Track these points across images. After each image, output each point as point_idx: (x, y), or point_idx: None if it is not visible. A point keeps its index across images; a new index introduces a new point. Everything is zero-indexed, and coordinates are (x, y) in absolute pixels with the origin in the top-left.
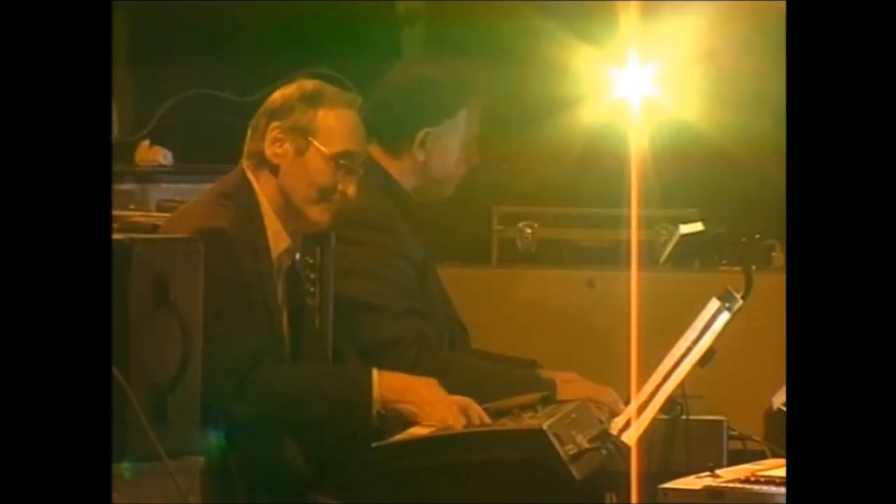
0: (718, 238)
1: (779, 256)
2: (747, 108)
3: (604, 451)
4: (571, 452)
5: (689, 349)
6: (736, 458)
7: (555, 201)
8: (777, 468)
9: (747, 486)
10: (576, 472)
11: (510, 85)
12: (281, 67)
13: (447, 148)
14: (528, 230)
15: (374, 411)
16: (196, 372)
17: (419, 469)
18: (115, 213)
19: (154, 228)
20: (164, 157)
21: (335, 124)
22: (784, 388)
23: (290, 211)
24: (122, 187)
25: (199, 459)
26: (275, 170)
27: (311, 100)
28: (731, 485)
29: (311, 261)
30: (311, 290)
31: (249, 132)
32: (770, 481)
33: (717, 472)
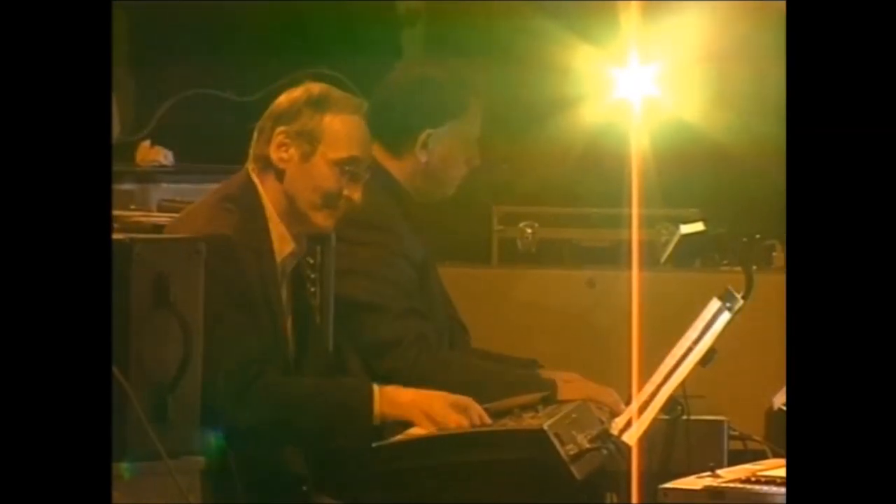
0: (719, 238)
1: (779, 256)
2: (748, 107)
3: (604, 451)
4: (572, 452)
5: (690, 349)
6: (737, 458)
7: (555, 201)
8: (778, 468)
9: (748, 486)
10: (576, 472)
11: (511, 85)
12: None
13: (449, 148)
14: (529, 230)
15: (373, 426)
16: (196, 372)
17: (420, 469)
18: (116, 212)
19: (155, 228)
20: (164, 156)
21: (341, 130)
22: (785, 388)
23: (294, 215)
24: (122, 187)
25: (200, 459)
26: (280, 174)
27: (318, 104)
28: (731, 485)
29: (311, 261)
30: (312, 289)
31: (255, 135)
32: (771, 481)
33: (718, 472)
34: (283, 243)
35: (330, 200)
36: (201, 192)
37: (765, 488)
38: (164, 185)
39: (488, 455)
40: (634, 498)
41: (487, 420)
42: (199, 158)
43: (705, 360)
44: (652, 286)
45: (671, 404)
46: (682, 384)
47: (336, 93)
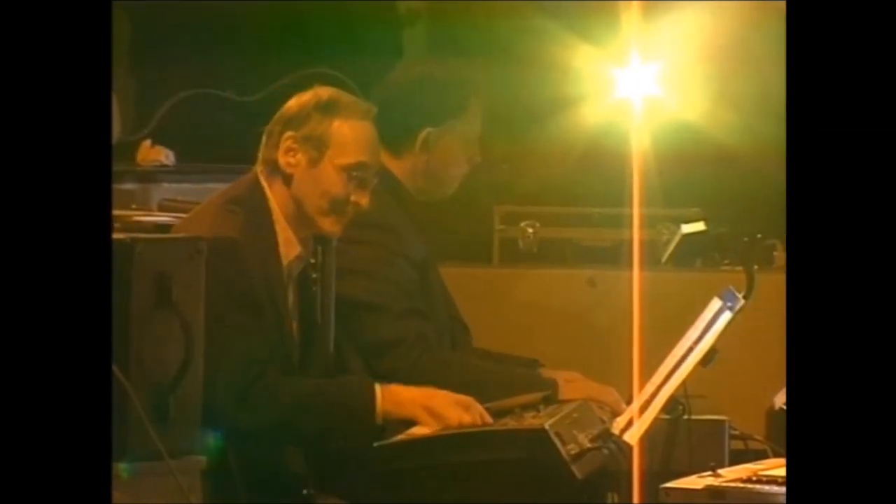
0: (720, 237)
1: (780, 256)
2: (749, 107)
3: (605, 451)
4: (573, 452)
5: (691, 349)
6: (738, 458)
7: (556, 201)
8: (779, 468)
9: (749, 486)
10: (577, 471)
11: (512, 84)
12: (282, 67)
13: (449, 148)
14: (530, 229)
15: (376, 426)
16: (198, 372)
17: (421, 469)
18: (117, 212)
19: (156, 228)
20: (165, 156)
21: (350, 135)
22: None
23: (302, 220)
24: (123, 187)
25: (201, 459)
26: (288, 179)
27: (327, 109)
28: (732, 484)
29: (312, 260)
30: (314, 289)
31: (264, 138)
32: (772, 481)
33: (719, 471)
34: (289, 247)
35: (337, 206)
36: (202, 192)
37: (766, 488)
38: (165, 185)
39: (489, 455)
40: (635, 497)
41: (489, 419)
42: (200, 158)
43: (706, 359)
44: (653, 286)
45: (672, 404)
46: (684, 384)
47: (345, 97)
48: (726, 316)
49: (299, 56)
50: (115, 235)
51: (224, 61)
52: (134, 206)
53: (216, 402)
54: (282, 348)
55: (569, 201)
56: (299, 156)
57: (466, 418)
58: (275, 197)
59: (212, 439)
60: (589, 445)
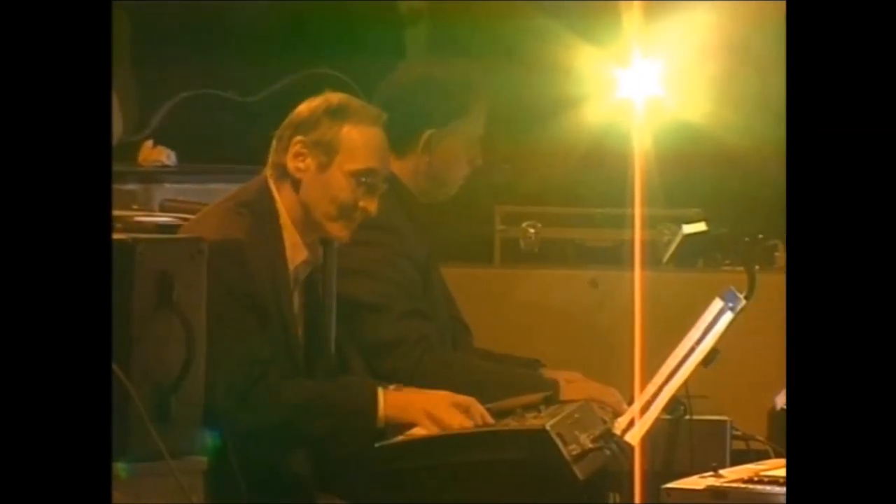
0: (721, 238)
1: (782, 256)
2: (751, 107)
3: (607, 451)
4: (574, 452)
5: (693, 349)
6: (739, 458)
7: (558, 201)
8: (780, 468)
9: (750, 486)
10: (579, 472)
11: (513, 85)
12: (283, 68)
13: (451, 148)
14: (532, 230)
15: (377, 429)
16: (199, 372)
17: (422, 469)
18: (119, 212)
19: (157, 228)
20: (167, 157)
21: (359, 141)
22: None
23: (309, 225)
24: (125, 187)
25: (202, 459)
26: (296, 184)
27: (336, 114)
28: (734, 485)
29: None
30: (319, 293)
31: (274, 143)
32: (773, 481)
33: (721, 472)
34: (296, 251)
35: (345, 211)
36: (204, 192)
37: (767, 488)
38: (167, 185)
39: (490, 455)
40: (637, 498)
41: (490, 420)
42: (202, 158)
43: (708, 360)
44: (654, 286)
45: (674, 404)
46: (685, 384)
47: (355, 103)
48: (728, 316)
49: (301, 56)
50: (117, 236)
51: (225, 61)
52: (135, 207)
53: (217, 401)
54: (287, 351)
55: (570, 201)
56: (308, 160)
57: (468, 424)
58: (283, 201)
59: (213, 439)
60: (590, 446)
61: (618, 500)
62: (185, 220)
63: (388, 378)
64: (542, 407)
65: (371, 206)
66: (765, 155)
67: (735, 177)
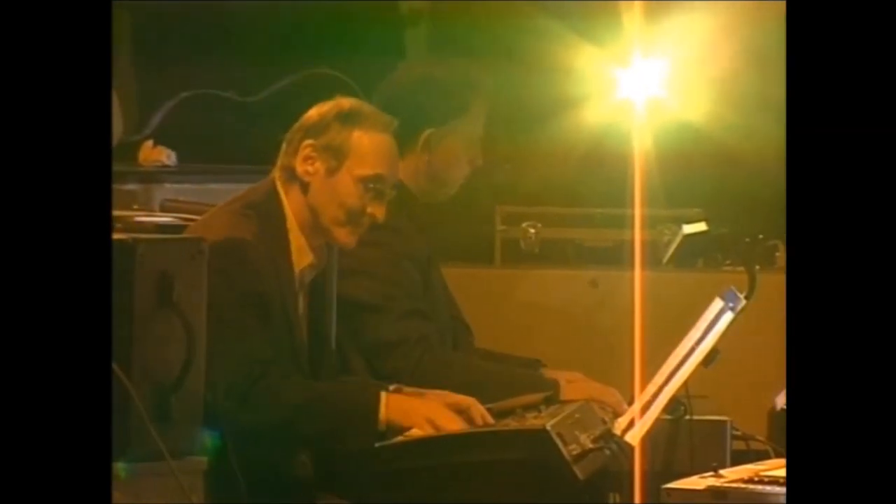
0: (722, 238)
1: (782, 256)
2: (751, 108)
3: (607, 452)
4: (575, 452)
5: (693, 349)
6: (739, 458)
7: (558, 201)
8: (780, 468)
9: (751, 487)
10: (579, 472)
11: (514, 85)
12: (284, 68)
13: (451, 149)
14: (532, 230)
15: (378, 431)
16: (199, 372)
17: (422, 469)
18: (119, 213)
19: (158, 228)
20: (167, 157)
21: (369, 147)
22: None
23: (316, 229)
24: (125, 187)
25: (202, 459)
26: (305, 187)
27: (347, 119)
28: (734, 485)
29: None
30: (324, 297)
31: (284, 145)
32: (773, 481)
33: (721, 472)
34: (301, 254)
35: (353, 217)
36: (204, 192)
37: (767, 488)
38: (167, 185)
39: (491, 455)
40: (637, 498)
41: (490, 420)
42: (202, 158)
43: (708, 360)
44: (655, 286)
45: (674, 404)
46: (685, 384)
47: (367, 109)
48: (728, 316)
49: (301, 56)
50: (117, 236)
51: (225, 61)
52: (136, 207)
53: (218, 401)
54: (291, 354)
55: (570, 202)
56: (318, 164)
57: (467, 427)
58: (290, 204)
59: (213, 439)
60: (591, 446)
61: (618, 500)
62: (185, 219)
63: (389, 378)
64: (542, 407)
65: (379, 212)
66: (765, 155)
67: (735, 177)
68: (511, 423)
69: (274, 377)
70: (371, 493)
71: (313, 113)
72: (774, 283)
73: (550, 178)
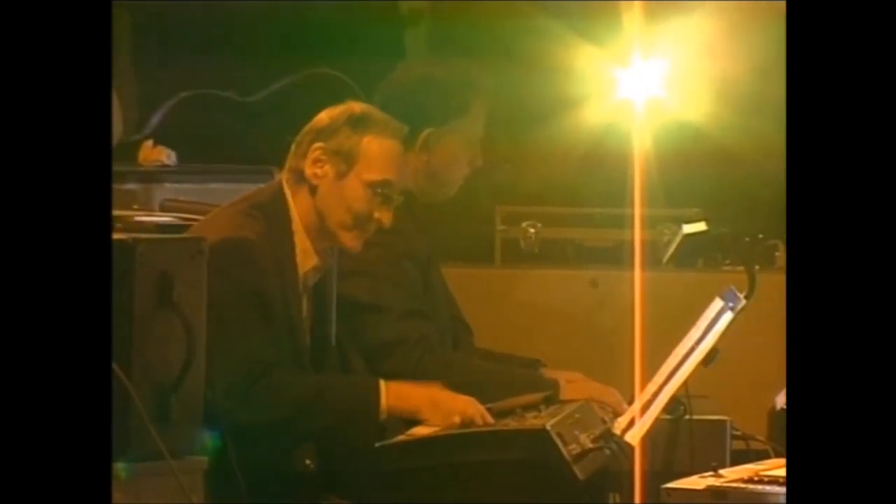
0: (721, 238)
1: (782, 256)
2: (750, 108)
3: (607, 451)
4: (575, 452)
5: (693, 349)
6: (739, 458)
7: (558, 201)
8: (780, 468)
9: (750, 486)
10: (579, 471)
11: (514, 85)
12: (283, 67)
13: (450, 148)
14: (532, 230)
15: (380, 422)
16: (199, 372)
17: (422, 469)
18: (119, 212)
19: (158, 228)
20: (167, 156)
21: (378, 152)
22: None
23: (322, 232)
24: (125, 187)
25: (202, 459)
26: (313, 190)
27: (358, 124)
28: (734, 485)
29: None
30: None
31: (293, 148)
32: (773, 481)
33: (721, 471)
34: (306, 256)
35: (360, 221)
36: (204, 192)
37: (767, 488)
38: (167, 185)
39: (491, 455)
40: (637, 498)
41: (490, 420)
42: (202, 158)
43: (708, 359)
44: (654, 286)
45: (674, 404)
46: (685, 384)
47: (377, 114)
48: (728, 316)
49: (301, 56)
50: (117, 235)
51: (225, 61)
52: (136, 207)
53: (218, 399)
54: (294, 356)
55: (570, 202)
56: (327, 167)
57: (469, 410)
58: (297, 206)
59: (213, 439)
60: (590, 446)
61: (618, 500)
62: (185, 219)
63: (389, 378)
64: (542, 407)
65: (385, 217)
66: (765, 155)
67: (735, 177)
68: (511, 423)
69: (274, 376)
70: (371, 493)
71: (324, 116)
72: (774, 283)
73: (550, 178)
